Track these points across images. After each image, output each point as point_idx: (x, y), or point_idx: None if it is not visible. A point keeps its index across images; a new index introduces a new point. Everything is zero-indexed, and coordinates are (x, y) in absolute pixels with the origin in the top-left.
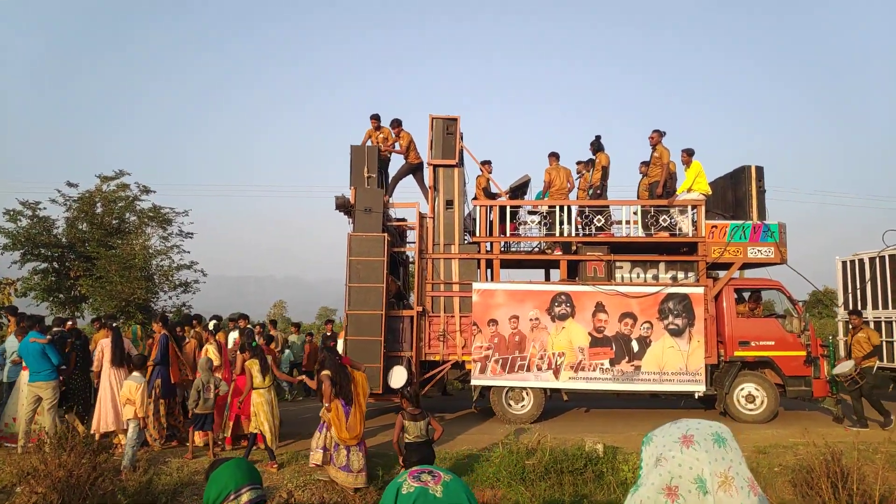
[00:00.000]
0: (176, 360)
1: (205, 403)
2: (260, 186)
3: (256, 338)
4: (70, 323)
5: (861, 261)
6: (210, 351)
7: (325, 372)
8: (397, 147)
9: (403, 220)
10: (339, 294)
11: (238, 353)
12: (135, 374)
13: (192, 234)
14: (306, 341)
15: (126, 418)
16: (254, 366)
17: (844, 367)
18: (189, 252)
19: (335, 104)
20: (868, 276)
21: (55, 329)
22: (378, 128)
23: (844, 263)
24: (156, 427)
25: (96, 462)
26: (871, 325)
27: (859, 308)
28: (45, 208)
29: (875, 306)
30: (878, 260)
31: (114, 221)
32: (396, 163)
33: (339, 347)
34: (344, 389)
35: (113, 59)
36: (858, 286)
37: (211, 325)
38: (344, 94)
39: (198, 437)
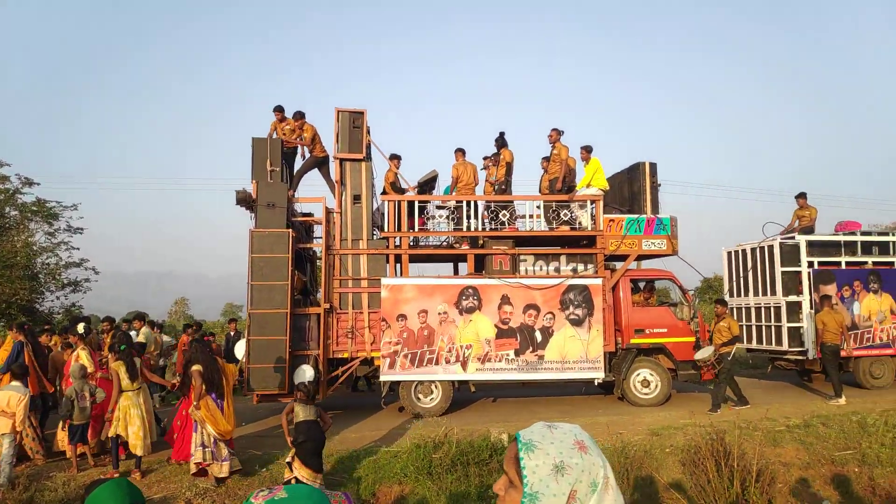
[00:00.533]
0: (34, 370)
1: (81, 413)
2: (160, 179)
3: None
4: None
5: (744, 251)
6: (83, 357)
7: (196, 367)
8: (302, 140)
9: (310, 214)
10: (245, 290)
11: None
12: (15, 383)
13: (81, 229)
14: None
15: (1, 432)
16: (120, 368)
17: (705, 352)
18: (78, 249)
19: (249, 95)
20: (750, 265)
21: None
22: (282, 119)
23: (729, 253)
24: (35, 440)
25: None
26: (752, 311)
27: (724, 298)
28: None
29: (756, 293)
30: (758, 250)
31: None
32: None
33: (242, 347)
34: (216, 384)
35: None
36: (742, 275)
37: (80, 328)
38: (257, 85)
39: (69, 449)
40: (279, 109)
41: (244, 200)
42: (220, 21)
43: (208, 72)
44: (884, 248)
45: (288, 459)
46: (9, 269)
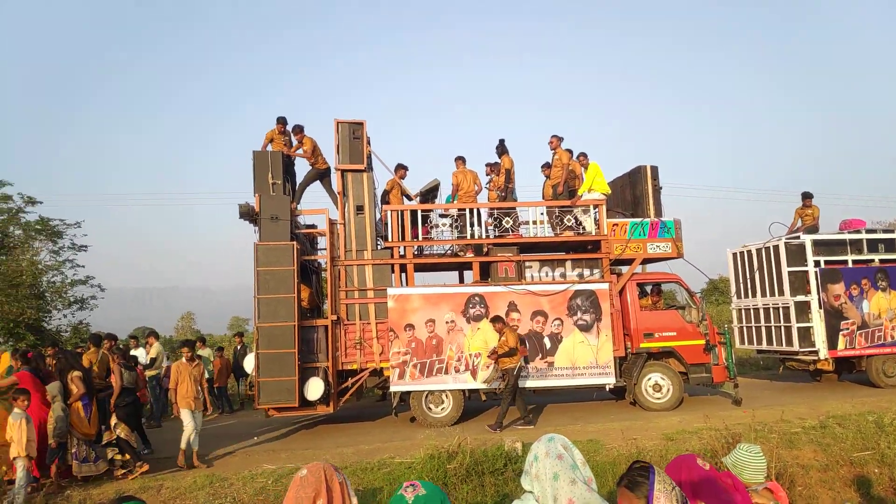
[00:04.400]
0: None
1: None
2: (163, 193)
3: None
4: None
5: (749, 252)
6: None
7: (77, 373)
8: (301, 152)
9: (313, 226)
10: (251, 303)
11: None
12: (14, 409)
13: (85, 246)
14: (216, 356)
15: (11, 456)
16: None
17: (486, 374)
18: (83, 266)
19: (243, 109)
20: (756, 265)
21: None
22: (283, 132)
23: (735, 255)
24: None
25: None
26: (761, 312)
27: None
28: None
29: (763, 294)
30: (763, 251)
31: None
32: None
33: (251, 361)
34: (90, 387)
35: None
36: (748, 276)
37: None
38: (251, 98)
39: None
40: (282, 121)
41: (247, 214)
42: (216, 31)
43: (207, 81)
44: (889, 245)
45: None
46: (14, 288)
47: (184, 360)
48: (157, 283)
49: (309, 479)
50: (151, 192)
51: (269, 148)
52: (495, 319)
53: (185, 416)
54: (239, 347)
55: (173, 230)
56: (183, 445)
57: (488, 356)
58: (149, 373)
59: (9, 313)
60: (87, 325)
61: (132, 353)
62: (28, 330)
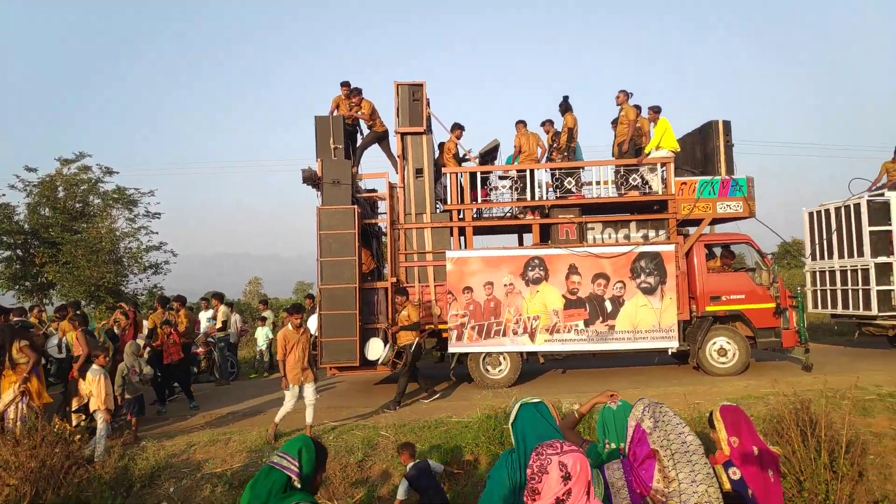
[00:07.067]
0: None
1: (132, 387)
2: (229, 162)
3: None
4: (36, 311)
5: (827, 211)
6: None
7: (24, 342)
8: (359, 114)
9: (374, 190)
10: (314, 268)
11: None
12: (93, 366)
13: (159, 214)
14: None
15: (91, 410)
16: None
17: (381, 353)
18: (157, 233)
19: (301, 74)
20: (834, 226)
21: (16, 319)
22: (349, 95)
23: (811, 214)
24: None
25: (69, 451)
26: (837, 275)
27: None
28: (3, 195)
29: (840, 255)
30: (843, 209)
31: (77, 205)
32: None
33: (314, 322)
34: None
35: (67, 37)
36: (824, 236)
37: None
38: (309, 63)
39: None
40: (346, 85)
41: (310, 178)
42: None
43: (271, 48)
44: None
45: None
46: (95, 254)
47: (290, 327)
48: (231, 248)
49: None
50: (228, 160)
51: (336, 113)
52: (399, 292)
53: (289, 393)
54: (309, 308)
55: (245, 198)
56: (277, 419)
57: (388, 329)
58: (219, 334)
59: (90, 277)
60: (161, 289)
61: (201, 313)
62: (108, 293)
